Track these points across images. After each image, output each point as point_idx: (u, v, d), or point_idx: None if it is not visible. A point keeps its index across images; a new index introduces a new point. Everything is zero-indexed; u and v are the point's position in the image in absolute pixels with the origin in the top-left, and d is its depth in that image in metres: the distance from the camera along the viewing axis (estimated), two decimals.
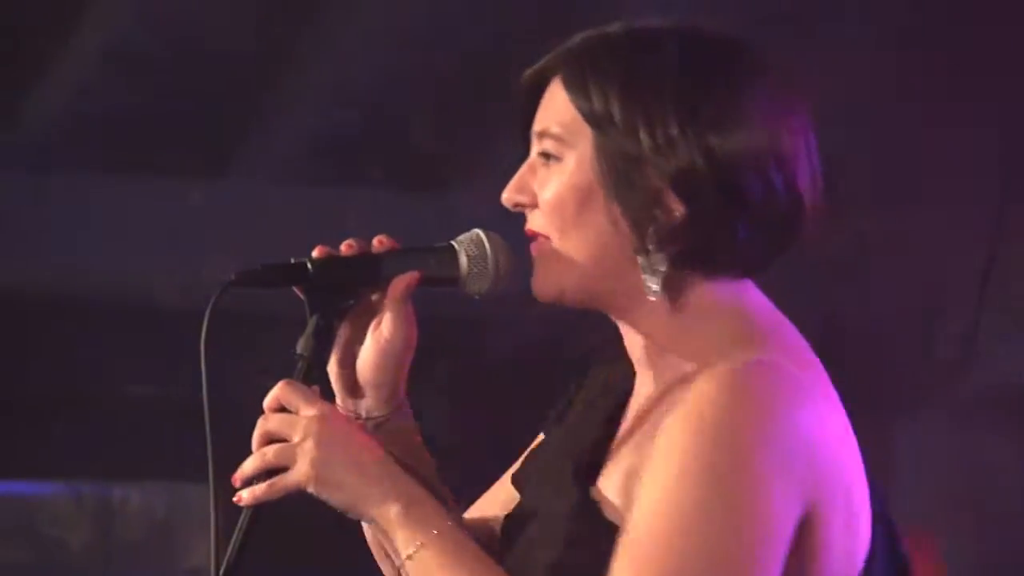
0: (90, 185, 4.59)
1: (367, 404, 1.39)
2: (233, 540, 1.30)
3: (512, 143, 1.43)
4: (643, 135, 1.29)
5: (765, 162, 1.30)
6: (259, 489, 1.30)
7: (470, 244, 1.39)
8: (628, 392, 1.40)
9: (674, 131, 1.29)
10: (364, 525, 1.39)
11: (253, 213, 4.63)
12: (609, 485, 1.31)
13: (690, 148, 1.28)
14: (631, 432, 1.34)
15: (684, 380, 1.29)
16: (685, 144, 1.29)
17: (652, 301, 1.32)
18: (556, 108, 1.35)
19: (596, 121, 1.31)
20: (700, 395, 1.24)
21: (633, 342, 1.36)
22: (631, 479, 1.27)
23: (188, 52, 4.27)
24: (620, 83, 1.31)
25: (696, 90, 1.30)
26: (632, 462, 1.29)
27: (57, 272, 4.63)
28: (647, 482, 1.24)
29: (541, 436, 1.48)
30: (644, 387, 1.37)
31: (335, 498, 1.31)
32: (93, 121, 4.48)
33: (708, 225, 1.30)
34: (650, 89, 1.30)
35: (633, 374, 1.40)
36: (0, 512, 4.98)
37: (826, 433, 1.26)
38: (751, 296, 1.36)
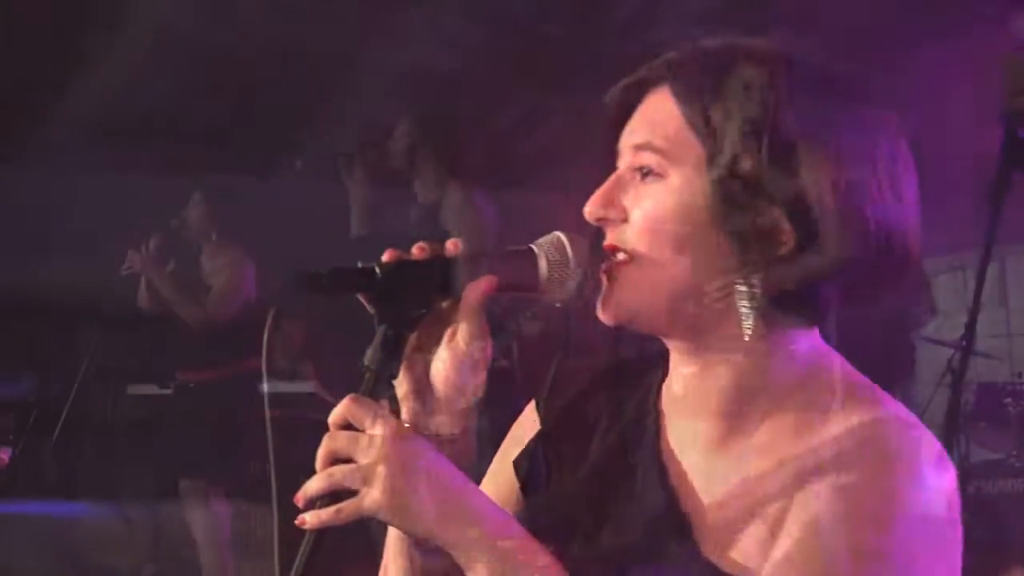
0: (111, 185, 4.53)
1: (439, 421, 1.27)
2: (296, 565, 1.20)
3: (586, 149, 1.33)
4: (763, 158, 1.18)
5: (886, 203, 1.20)
6: (325, 513, 1.19)
7: (551, 248, 1.27)
8: (656, 431, 1.31)
9: (798, 157, 1.18)
10: (392, 537, 1.30)
11: (302, 213, 4.54)
12: (732, 549, 1.20)
13: (814, 177, 1.18)
14: (744, 488, 1.22)
15: (800, 436, 1.20)
16: (809, 172, 1.18)
17: (737, 339, 1.22)
18: (661, 120, 1.24)
19: (712, 138, 1.21)
20: (846, 458, 1.16)
21: (702, 380, 1.26)
22: (758, 541, 1.18)
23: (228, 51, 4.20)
24: (741, 101, 1.20)
25: (825, 119, 1.19)
26: (755, 523, 1.19)
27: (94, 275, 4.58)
28: (799, 549, 1.15)
29: (508, 458, 1.40)
30: (709, 430, 1.27)
31: (410, 527, 1.20)
32: (103, 123, 4.41)
33: (820, 263, 1.19)
34: (774, 111, 1.19)
35: (651, 408, 1.31)
36: (47, 534, 4.89)
37: (952, 486, 1.19)
38: (821, 342, 1.26)
